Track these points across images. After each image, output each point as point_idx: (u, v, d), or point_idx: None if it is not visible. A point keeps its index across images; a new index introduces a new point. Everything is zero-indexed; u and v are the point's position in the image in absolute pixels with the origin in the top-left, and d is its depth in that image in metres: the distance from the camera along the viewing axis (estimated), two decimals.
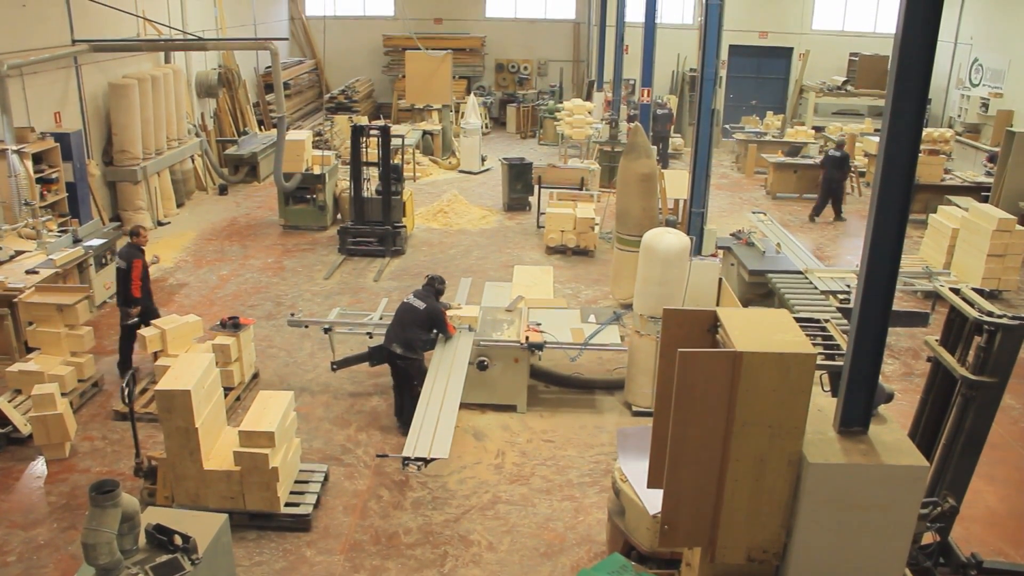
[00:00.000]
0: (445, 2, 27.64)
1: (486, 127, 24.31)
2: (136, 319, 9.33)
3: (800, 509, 4.48)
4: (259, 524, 7.00)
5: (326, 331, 9.41)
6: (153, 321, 9.23)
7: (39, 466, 7.91)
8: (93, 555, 4.69)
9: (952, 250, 12.89)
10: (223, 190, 17.97)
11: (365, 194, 14.00)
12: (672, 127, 21.77)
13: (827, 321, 7.49)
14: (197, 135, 17.48)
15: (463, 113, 20.81)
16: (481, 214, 16.65)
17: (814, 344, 5.72)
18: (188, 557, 4.95)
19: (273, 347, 10.56)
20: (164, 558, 4.92)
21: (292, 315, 9.90)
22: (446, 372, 8.27)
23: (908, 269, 12.28)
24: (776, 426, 4.38)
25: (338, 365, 9.20)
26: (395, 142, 14.64)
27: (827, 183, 16.90)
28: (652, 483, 5.02)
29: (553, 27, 28.23)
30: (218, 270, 13.28)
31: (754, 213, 13.90)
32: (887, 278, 4.36)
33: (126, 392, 6.80)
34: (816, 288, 10.26)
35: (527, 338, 8.88)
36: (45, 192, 12.20)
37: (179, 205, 16.49)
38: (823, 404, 4.87)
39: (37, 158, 12.00)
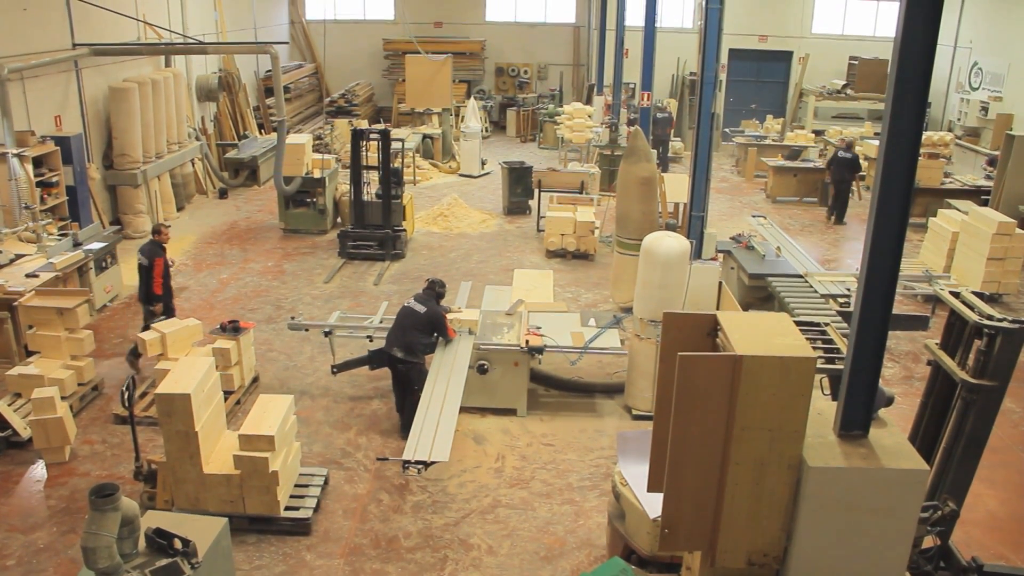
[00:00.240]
0: (445, 6, 27.67)
1: (486, 131, 24.33)
2: (162, 316, 9.58)
3: (800, 513, 4.48)
4: (259, 528, 6.99)
5: (326, 334, 9.42)
6: (153, 324, 9.23)
7: (39, 470, 7.91)
8: (93, 559, 4.69)
9: (952, 254, 12.88)
10: (223, 194, 17.98)
11: (365, 198, 14.01)
12: (672, 131, 21.78)
13: (827, 325, 7.48)
14: (197, 139, 17.49)
15: (463, 117, 20.83)
16: (481, 218, 16.65)
17: (814, 348, 5.71)
18: (188, 561, 4.95)
19: (273, 351, 10.56)
20: (164, 562, 4.91)
21: (292, 318, 9.90)
22: (446, 375, 8.26)
23: (908, 273, 12.29)
24: (776, 430, 4.38)
25: (338, 368, 9.20)
26: (395, 146, 14.65)
27: (836, 184, 16.89)
28: (652, 487, 5.01)
29: (553, 31, 28.26)
30: (218, 274, 13.28)
31: (754, 217, 13.92)
32: (887, 281, 4.36)
33: (126, 396, 6.79)
34: (816, 292, 10.26)
35: (527, 342, 8.88)
36: (45, 196, 12.21)
37: (179, 209, 16.50)
38: (823, 408, 4.86)
39: (37, 162, 12.01)
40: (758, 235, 12.47)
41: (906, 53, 3.98)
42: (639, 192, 11.24)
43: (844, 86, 24.65)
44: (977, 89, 21.82)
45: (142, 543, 5.04)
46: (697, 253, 9.45)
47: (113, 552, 4.74)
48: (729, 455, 4.46)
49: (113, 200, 14.91)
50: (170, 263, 10.01)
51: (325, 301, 12.14)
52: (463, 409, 8.15)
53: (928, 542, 5.37)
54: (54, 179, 12.46)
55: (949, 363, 5.28)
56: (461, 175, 20.56)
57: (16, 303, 9.15)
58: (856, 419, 4.60)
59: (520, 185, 16.95)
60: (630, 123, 18.67)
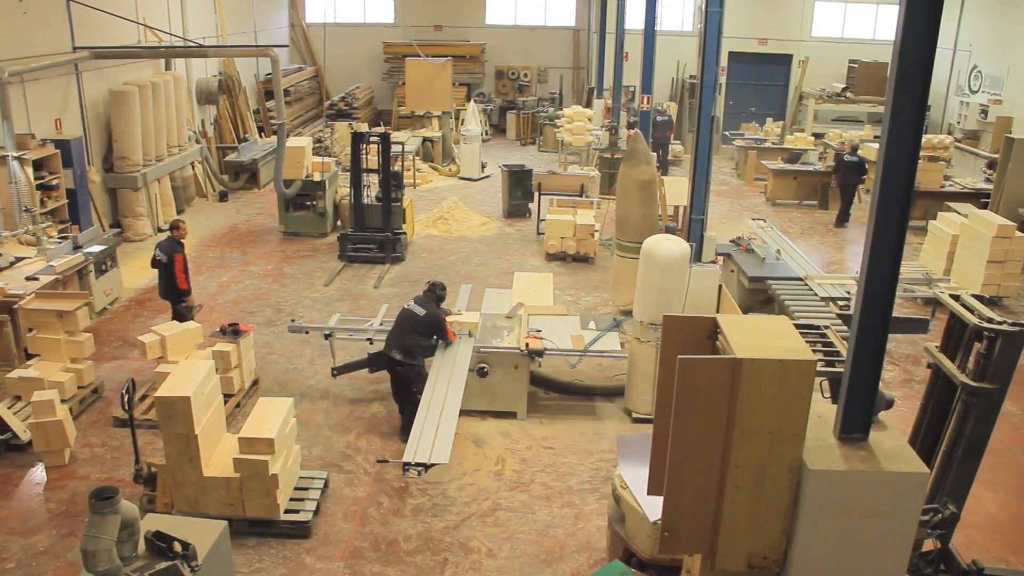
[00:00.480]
0: (445, 9, 27.70)
1: (486, 134, 24.34)
2: (198, 306, 9.88)
3: (800, 516, 4.47)
4: (259, 531, 6.99)
5: (327, 337, 9.42)
6: (153, 327, 9.23)
7: (38, 472, 7.90)
8: (92, 562, 4.68)
9: (952, 256, 12.89)
10: (223, 197, 17.99)
11: (365, 201, 14.02)
12: (672, 134, 21.78)
13: (827, 328, 7.48)
14: (197, 142, 17.50)
15: (463, 120, 20.84)
16: (481, 221, 16.66)
17: (814, 351, 5.72)
18: (187, 564, 4.94)
19: (273, 354, 10.55)
20: (163, 565, 4.91)
21: (292, 321, 9.90)
22: (446, 378, 8.26)
23: (908, 275, 12.29)
24: (776, 433, 4.38)
25: (338, 371, 9.20)
26: (395, 149, 14.66)
27: (842, 188, 16.92)
28: (652, 490, 5.01)
29: (553, 34, 28.29)
30: (218, 276, 13.28)
31: (754, 220, 13.92)
32: (887, 284, 4.36)
33: (126, 399, 6.79)
34: (816, 294, 10.26)
35: (527, 345, 8.87)
36: (45, 199, 12.21)
37: (179, 212, 16.50)
38: (823, 410, 4.86)
39: (37, 164, 12.01)
40: (758, 238, 12.48)
41: (906, 56, 3.98)
42: (639, 195, 11.24)
43: (844, 89, 24.67)
44: (977, 92, 21.84)
45: (142, 546, 5.03)
46: (697, 256, 9.46)
47: (113, 555, 4.73)
48: (729, 458, 4.46)
49: (113, 203, 14.92)
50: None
51: (325, 304, 12.14)
52: (463, 412, 8.15)
53: (928, 545, 5.37)
54: (54, 182, 12.46)
55: (949, 366, 5.28)
56: (461, 178, 20.57)
57: (16, 306, 9.14)
58: (856, 422, 4.60)
59: (520, 188, 16.96)
60: (630, 126, 18.69)
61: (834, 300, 10.22)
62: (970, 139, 21.15)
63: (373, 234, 13.99)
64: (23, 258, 10.50)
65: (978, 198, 16.16)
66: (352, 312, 11.38)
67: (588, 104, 24.56)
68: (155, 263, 10.20)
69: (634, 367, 9.05)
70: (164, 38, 16.66)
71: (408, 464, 6.97)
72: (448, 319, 8.96)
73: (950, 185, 17.12)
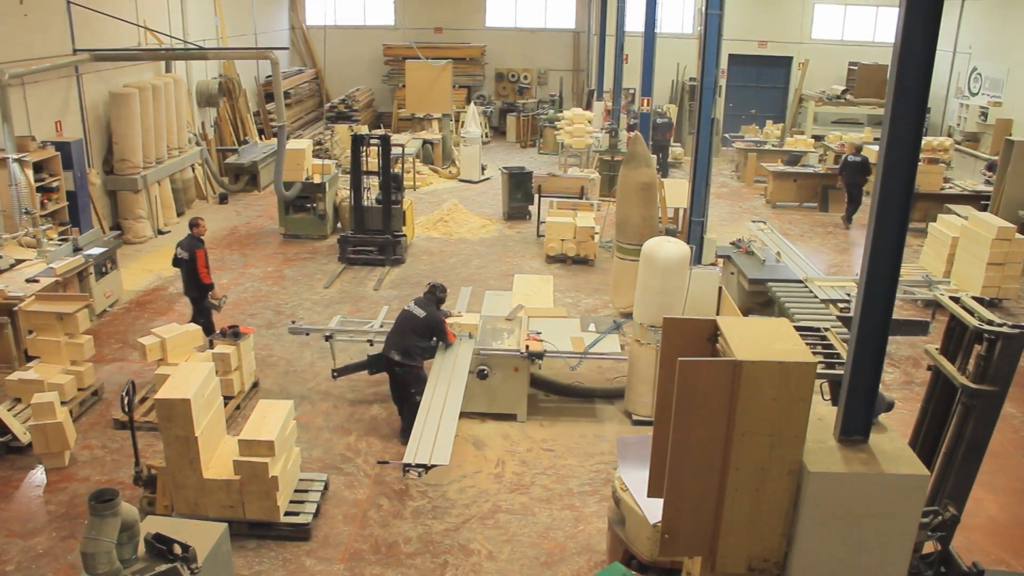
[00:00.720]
0: (445, 11, 27.72)
1: (486, 136, 24.36)
2: (223, 300, 10.27)
3: (801, 518, 4.47)
4: (259, 533, 6.99)
5: (327, 339, 9.42)
6: (153, 329, 9.23)
7: (38, 475, 7.90)
8: (92, 564, 4.68)
9: (952, 259, 12.89)
10: (223, 199, 17.99)
11: (365, 203, 14.02)
12: (672, 136, 21.80)
13: (827, 330, 7.49)
14: (197, 144, 17.51)
15: (463, 122, 20.85)
16: (481, 223, 16.67)
17: (814, 353, 5.72)
18: (187, 566, 4.94)
19: (273, 356, 10.55)
20: (163, 567, 4.91)
21: (293, 323, 9.90)
22: (446, 380, 8.26)
23: (908, 278, 12.29)
24: (776, 435, 4.38)
25: (339, 373, 9.20)
26: (395, 151, 14.66)
27: (848, 188, 17.02)
28: (652, 492, 5.01)
29: (553, 36, 28.31)
30: (218, 279, 13.20)
31: (754, 222, 13.92)
32: (887, 287, 4.36)
33: (126, 401, 6.79)
34: (816, 297, 10.26)
35: (527, 347, 8.87)
36: (45, 201, 12.22)
37: (179, 214, 16.50)
38: (823, 413, 4.86)
39: (38, 167, 12.02)
40: (758, 240, 12.48)
41: (905, 58, 3.99)
42: (639, 197, 11.25)
43: (844, 91, 24.67)
44: (976, 94, 21.85)
45: (142, 548, 5.03)
46: (697, 258, 9.47)
47: (113, 557, 4.73)
48: (729, 460, 4.46)
49: (113, 205, 14.92)
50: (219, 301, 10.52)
51: (325, 306, 12.14)
52: (463, 414, 8.15)
53: (929, 547, 5.37)
54: (54, 184, 12.46)
55: (949, 368, 5.27)
56: (461, 180, 20.58)
57: (16, 308, 9.15)
58: (856, 424, 4.60)
59: (520, 190, 16.97)
60: (630, 128, 18.72)
61: (834, 302, 10.22)
62: (970, 141, 21.15)
63: (373, 236, 13.99)
64: (23, 260, 10.50)
65: (978, 200, 16.17)
66: (352, 314, 11.38)
67: (588, 106, 24.57)
68: (176, 261, 10.34)
69: (634, 369, 9.05)
70: (164, 40, 16.67)
71: (408, 465, 6.97)
72: (448, 321, 8.96)
73: (950, 187, 17.13)
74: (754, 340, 4.55)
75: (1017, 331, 4.89)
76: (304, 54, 27.98)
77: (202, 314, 10.30)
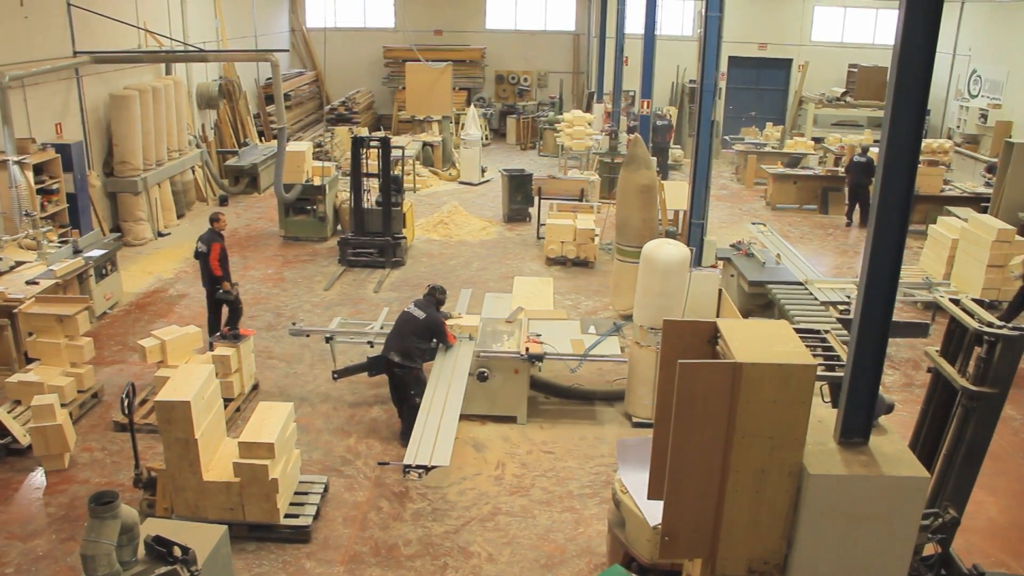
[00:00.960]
0: (445, 14, 27.73)
1: (486, 138, 24.36)
2: (234, 291, 10.34)
3: (801, 520, 4.47)
4: (259, 535, 6.98)
5: (327, 340, 9.42)
6: (153, 332, 9.24)
7: (38, 477, 7.90)
8: (92, 567, 4.68)
9: (952, 260, 12.90)
10: (223, 201, 17.99)
11: (365, 205, 14.02)
12: (672, 138, 21.80)
13: (827, 332, 7.48)
14: (198, 146, 17.51)
15: (463, 124, 20.85)
16: (481, 225, 16.67)
17: (814, 355, 5.71)
18: (187, 569, 4.93)
19: (273, 358, 10.55)
20: (163, 570, 4.90)
21: (294, 324, 9.91)
22: (447, 381, 8.27)
23: (908, 280, 12.30)
24: (776, 437, 4.38)
25: (339, 374, 9.20)
26: (395, 153, 14.66)
27: (853, 188, 17.12)
28: (652, 494, 5.00)
29: (553, 39, 28.32)
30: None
31: (754, 224, 13.93)
32: (887, 289, 4.36)
33: (125, 403, 6.79)
34: (816, 299, 10.26)
35: (527, 349, 8.87)
36: (46, 203, 12.22)
37: (179, 216, 16.51)
38: (823, 415, 4.86)
39: (38, 169, 12.02)
40: (758, 242, 12.48)
41: (905, 60, 3.99)
42: (639, 200, 11.25)
43: (843, 93, 24.69)
44: (976, 96, 21.86)
45: (141, 551, 5.03)
46: (697, 260, 9.47)
47: (112, 560, 4.73)
48: (729, 462, 4.46)
49: (113, 207, 14.92)
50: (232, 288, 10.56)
51: (325, 308, 12.14)
52: (463, 417, 8.14)
53: (929, 549, 5.36)
54: (54, 186, 12.47)
55: (949, 370, 5.27)
56: (461, 182, 20.58)
57: (16, 310, 9.14)
58: (856, 426, 4.60)
59: (520, 192, 16.98)
60: (630, 131, 18.70)
61: (834, 304, 10.22)
62: (970, 143, 21.16)
63: (373, 238, 13.99)
64: (23, 262, 10.50)
65: (978, 202, 16.17)
66: (352, 317, 11.37)
67: (588, 108, 24.59)
68: (196, 254, 10.51)
69: (634, 371, 9.05)
70: (164, 42, 16.68)
71: (409, 466, 6.97)
72: (448, 322, 8.97)
73: (950, 189, 17.14)
74: (754, 342, 4.55)
75: (1017, 333, 4.90)
76: (304, 56, 27.99)
77: (213, 308, 10.49)
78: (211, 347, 9.25)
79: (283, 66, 21.30)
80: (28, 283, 9.83)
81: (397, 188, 14.07)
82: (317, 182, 15.34)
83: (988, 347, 4.96)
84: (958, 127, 22.12)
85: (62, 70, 13.35)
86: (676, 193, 14.79)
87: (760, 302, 10.99)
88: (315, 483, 7.57)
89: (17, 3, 12.32)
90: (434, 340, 8.75)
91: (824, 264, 14.62)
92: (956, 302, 5.43)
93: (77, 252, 11.06)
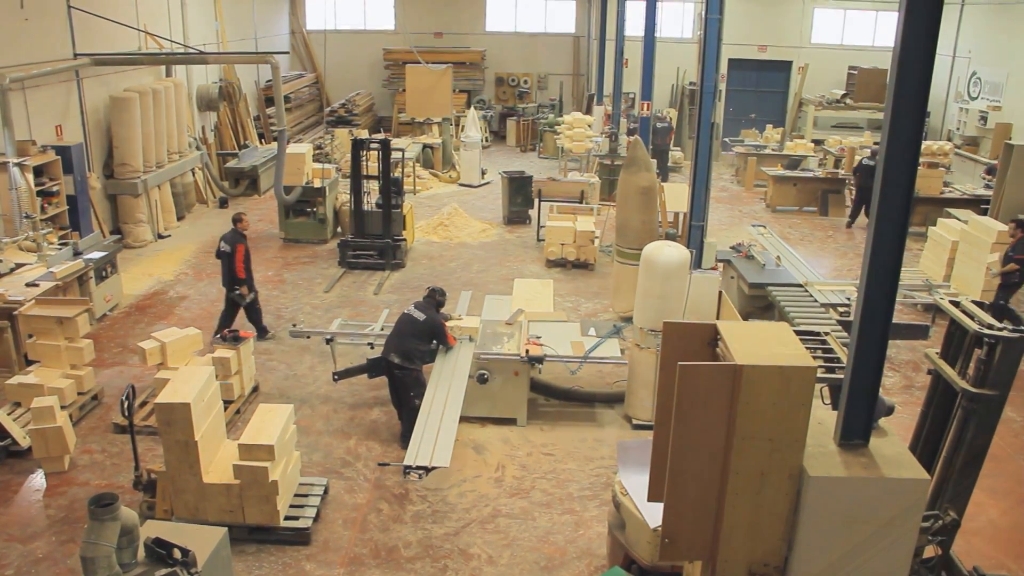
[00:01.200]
0: (445, 16, 27.76)
1: (486, 140, 24.37)
2: (253, 296, 10.64)
3: (801, 522, 4.47)
4: (258, 538, 6.98)
5: (328, 342, 9.42)
6: (153, 334, 9.24)
7: (38, 479, 7.90)
8: (92, 569, 4.68)
9: (952, 262, 12.90)
10: (224, 203, 18.00)
11: (365, 207, 14.02)
12: (672, 140, 21.82)
13: (827, 334, 7.47)
14: (198, 148, 17.52)
15: (463, 126, 20.87)
16: (481, 227, 16.67)
17: (814, 357, 5.71)
18: (187, 571, 4.93)
19: (273, 360, 10.55)
20: (163, 572, 4.90)
21: (294, 326, 9.91)
22: (447, 382, 8.26)
23: (908, 282, 12.29)
24: (776, 439, 4.38)
25: (340, 375, 9.19)
26: (395, 155, 14.68)
27: (860, 191, 17.16)
28: (652, 496, 5.00)
29: (553, 41, 28.34)
30: (218, 283, 13.15)
31: (754, 226, 13.93)
32: (887, 291, 4.36)
33: (125, 405, 6.79)
34: (816, 301, 10.26)
35: (527, 351, 8.87)
36: (46, 205, 12.23)
37: (179, 218, 16.52)
38: (823, 417, 4.86)
39: (38, 171, 12.02)
40: (758, 244, 12.48)
41: (905, 63, 3.99)
42: (639, 202, 11.25)
43: (843, 95, 24.70)
44: (976, 98, 21.87)
45: (141, 553, 5.03)
46: (697, 263, 9.46)
47: (112, 562, 4.73)
48: (729, 465, 4.45)
49: (113, 209, 14.93)
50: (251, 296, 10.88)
51: (325, 311, 12.14)
52: (463, 419, 8.14)
53: (929, 551, 5.36)
54: (55, 188, 12.48)
55: (949, 372, 5.27)
56: (461, 185, 20.59)
57: (16, 312, 9.15)
58: (856, 428, 4.60)
59: (520, 195, 16.98)
60: (630, 133, 18.71)
61: (834, 306, 10.21)
62: (969, 145, 21.17)
63: (373, 240, 14.00)
64: (23, 264, 10.51)
65: (978, 204, 16.17)
66: (353, 318, 11.36)
67: (588, 111, 24.61)
68: (219, 254, 10.78)
69: (634, 374, 9.05)
70: (165, 45, 16.70)
71: (409, 467, 6.97)
72: (448, 324, 8.97)
73: (950, 191, 17.14)
74: (754, 344, 4.55)
75: (1017, 335, 4.90)
76: (304, 58, 28.02)
77: (229, 309, 10.79)
78: (224, 339, 9.27)
79: (283, 68, 21.31)
80: (28, 285, 9.85)
81: (397, 190, 14.07)
82: (317, 184, 15.34)
83: (988, 349, 4.96)
84: (958, 129, 22.13)
85: (62, 72, 13.36)
86: (676, 195, 14.79)
87: (760, 304, 10.98)
88: (315, 485, 7.56)
89: (18, 5, 12.33)
90: (434, 342, 8.76)
91: (824, 266, 14.62)
92: (956, 304, 5.44)
93: (77, 254, 11.07)
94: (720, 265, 11.04)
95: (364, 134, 20.00)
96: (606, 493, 7.71)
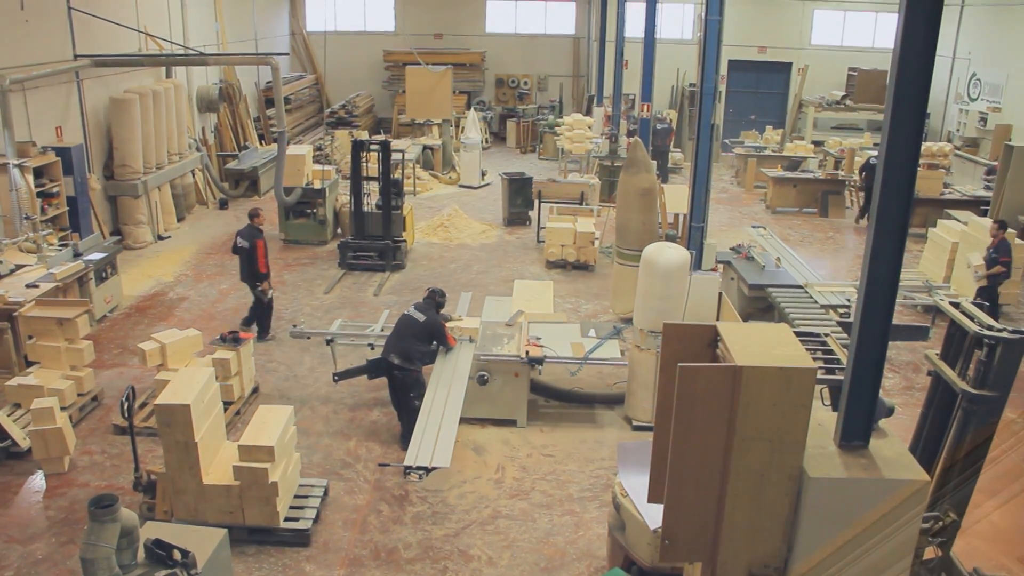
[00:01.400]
0: (445, 17, 27.78)
1: (486, 142, 24.38)
2: (270, 292, 10.97)
3: (801, 524, 4.46)
4: (258, 539, 6.98)
5: (328, 343, 9.42)
6: (153, 335, 9.24)
7: (38, 480, 7.89)
8: (92, 570, 4.68)
9: (952, 264, 12.89)
10: (224, 204, 18.01)
11: (365, 208, 14.03)
12: (672, 142, 21.83)
13: (827, 335, 7.47)
14: (198, 149, 17.53)
15: (463, 128, 20.88)
16: (481, 228, 16.67)
17: (814, 358, 5.71)
18: (187, 572, 4.94)
19: (273, 361, 10.55)
20: (163, 573, 4.90)
21: (295, 327, 9.91)
22: (447, 383, 8.27)
23: (908, 283, 12.29)
24: (777, 440, 4.37)
25: (340, 376, 9.18)
26: (395, 157, 14.67)
27: (868, 190, 17.21)
28: (652, 498, 5.00)
29: (553, 42, 28.36)
30: (218, 284, 13.28)
31: (754, 227, 13.93)
32: (887, 292, 4.36)
33: (125, 406, 6.79)
34: (816, 302, 10.26)
35: (527, 352, 8.87)
36: (46, 206, 12.23)
37: (179, 219, 16.52)
38: (824, 418, 4.85)
39: (38, 172, 12.03)
40: (758, 246, 12.48)
41: (905, 64, 3.99)
42: (639, 203, 11.25)
43: (843, 97, 24.71)
44: (976, 100, 21.88)
45: (141, 554, 5.03)
46: (697, 264, 9.46)
47: (112, 563, 4.73)
48: (730, 466, 4.45)
49: (113, 210, 14.93)
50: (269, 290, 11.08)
51: (325, 312, 12.14)
52: (463, 420, 8.14)
53: (929, 553, 5.35)
54: (55, 190, 12.48)
55: (949, 373, 5.27)
56: (461, 186, 20.59)
57: (16, 313, 9.14)
58: (857, 430, 4.59)
59: (520, 196, 16.99)
60: (630, 134, 18.72)
61: (834, 307, 10.21)
62: (969, 147, 21.17)
63: (373, 242, 14.00)
64: (23, 265, 10.50)
65: (978, 205, 16.18)
66: (353, 320, 11.36)
67: (588, 112, 24.61)
68: (236, 250, 10.87)
69: (634, 375, 9.05)
70: (165, 46, 16.70)
71: (409, 468, 6.97)
72: (449, 325, 8.97)
73: (950, 192, 17.15)
74: (754, 346, 4.54)
75: (1017, 336, 4.90)
76: (304, 60, 28.04)
77: (258, 303, 11.02)
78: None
79: (283, 70, 21.32)
80: (28, 286, 9.84)
81: (397, 192, 14.08)
82: (317, 185, 15.35)
83: (988, 350, 4.96)
84: (958, 130, 22.14)
85: (62, 73, 13.38)
86: (676, 196, 14.78)
87: (760, 305, 10.99)
88: (315, 486, 7.56)
89: (18, 6, 12.33)
90: (434, 343, 8.76)
91: (824, 267, 14.62)
92: (956, 305, 5.44)
93: (77, 255, 11.06)
94: (720, 266, 11.04)
95: (364, 135, 20.07)
96: (606, 494, 7.71)
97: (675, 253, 8.77)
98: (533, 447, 8.66)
